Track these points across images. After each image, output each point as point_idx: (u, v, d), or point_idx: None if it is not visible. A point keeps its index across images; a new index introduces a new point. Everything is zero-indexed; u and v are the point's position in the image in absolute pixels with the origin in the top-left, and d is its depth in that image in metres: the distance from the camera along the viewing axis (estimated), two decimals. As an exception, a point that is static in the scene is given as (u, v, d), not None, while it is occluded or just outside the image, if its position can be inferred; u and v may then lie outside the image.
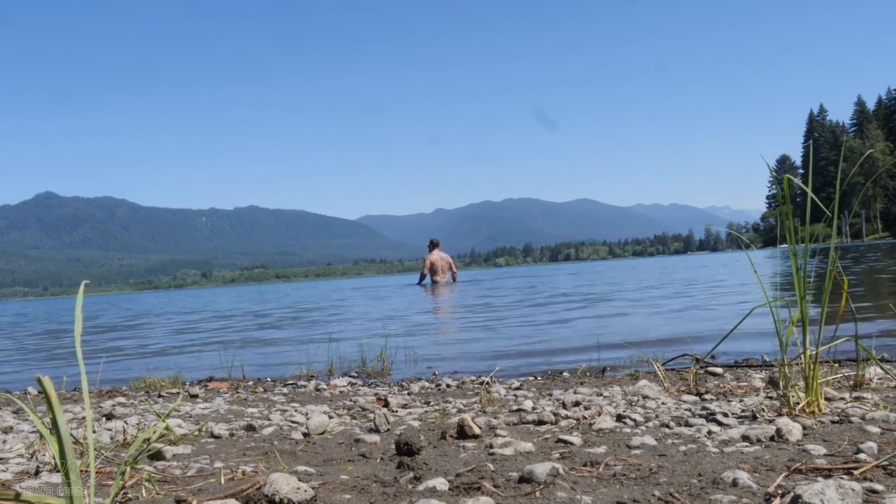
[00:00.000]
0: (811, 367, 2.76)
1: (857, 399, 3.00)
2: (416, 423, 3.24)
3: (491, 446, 2.51)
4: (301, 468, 2.35)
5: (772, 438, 2.39)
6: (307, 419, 3.37)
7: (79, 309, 1.71)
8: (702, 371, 4.64)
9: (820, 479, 1.90)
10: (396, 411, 3.75)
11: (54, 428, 1.50)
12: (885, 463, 1.99)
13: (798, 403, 2.78)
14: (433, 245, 28.48)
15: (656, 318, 9.29)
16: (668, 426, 2.76)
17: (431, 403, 4.08)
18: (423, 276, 28.44)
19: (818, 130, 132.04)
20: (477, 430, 2.76)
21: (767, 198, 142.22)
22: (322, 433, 3.09)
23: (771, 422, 2.64)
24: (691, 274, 24.92)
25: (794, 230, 2.93)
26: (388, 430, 3.07)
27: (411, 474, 2.16)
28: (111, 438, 3.03)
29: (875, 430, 2.43)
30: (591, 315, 10.49)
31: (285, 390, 5.29)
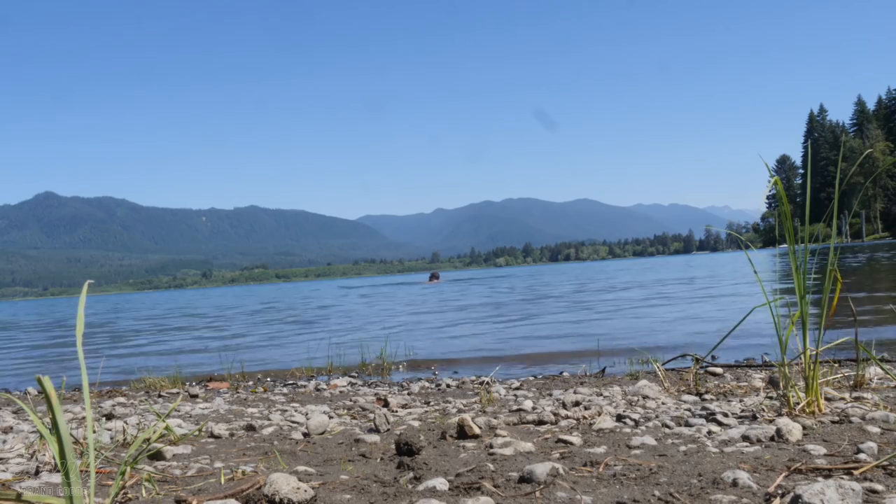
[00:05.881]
0: (811, 367, 2.76)
1: (857, 399, 3.00)
2: (416, 423, 3.24)
3: (491, 446, 2.51)
4: (301, 468, 2.35)
5: (772, 438, 2.39)
6: (307, 419, 3.38)
7: (81, 308, 1.71)
8: (702, 371, 4.64)
9: (820, 479, 1.90)
10: (396, 411, 3.75)
11: (54, 428, 1.50)
12: (885, 463, 1.99)
13: (798, 403, 2.78)
14: (434, 276, 43.79)
15: (657, 318, 9.29)
16: (668, 426, 2.76)
17: (431, 403, 4.08)
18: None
19: (818, 130, 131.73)
20: (477, 430, 2.76)
21: (767, 198, 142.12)
22: (322, 433, 3.09)
23: (771, 422, 2.64)
24: (694, 273, 24.92)
25: (794, 230, 2.93)
26: (388, 430, 3.07)
27: (411, 474, 2.16)
28: (111, 438, 3.03)
29: (875, 430, 2.43)
30: (592, 314, 10.49)
31: (285, 390, 5.29)
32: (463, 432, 2.76)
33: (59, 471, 2.25)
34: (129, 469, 2.09)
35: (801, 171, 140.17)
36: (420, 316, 12.83)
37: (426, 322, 11.35)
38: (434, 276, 46.81)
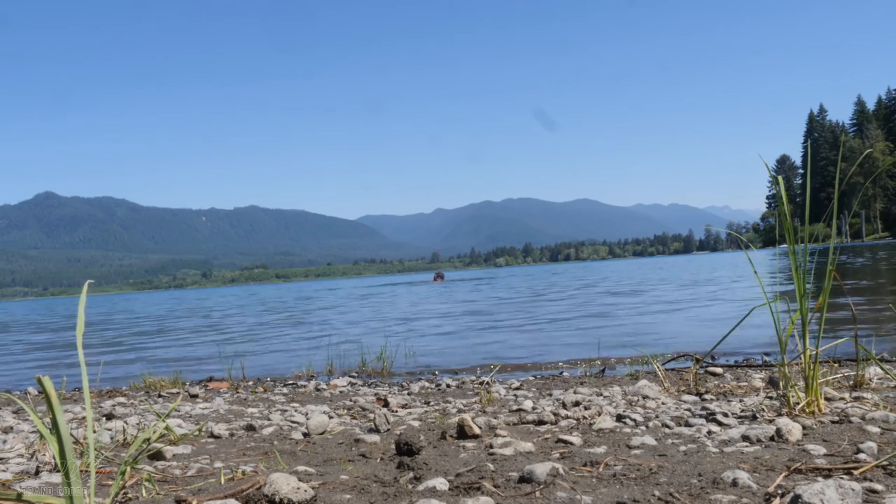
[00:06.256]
0: (811, 367, 2.76)
1: (857, 399, 3.00)
2: (416, 423, 3.24)
3: (491, 446, 2.51)
4: (301, 468, 2.35)
5: (772, 438, 2.39)
6: (307, 419, 3.38)
7: (81, 308, 1.72)
8: (702, 371, 4.64)
9: (820, 479, 1.90)
10: (396, 411, 3.75)
11: (54, 428, 1.50)
12: (885, 463, 1.99)
13: (798, 403, 2.78)
14: (438, 276, 46.28)
15: (658, 319, 9.29)
16: (668, 426, 2.76)
17: (431, 403, 4.09)
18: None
19: (818, 130, 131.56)
20: (477, 430, 2.76)
21: (767, 198, 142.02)
22: (322, 433, 3.09)
23: (771, 422, 2.64)
24: (694, 274, 24.92)
25: (794, 230, 2.93)
26: (388, 430, 3.07)
27: (411, 474, 2.16)
28: (111, 438, 3.03)
29: (875, 430, 2.43)
30: (592, 315, 10.49)
31: (285, 390, 5.29)
32: (463, 432, 2.76)
33: (59, 471, 2.25)
34: (129, 469, 2.09)
35: (801, 171, 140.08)
36: (422, 317, 12.83)
37: (427, 323, 11.35)
38: (438, 276, 49.37)
